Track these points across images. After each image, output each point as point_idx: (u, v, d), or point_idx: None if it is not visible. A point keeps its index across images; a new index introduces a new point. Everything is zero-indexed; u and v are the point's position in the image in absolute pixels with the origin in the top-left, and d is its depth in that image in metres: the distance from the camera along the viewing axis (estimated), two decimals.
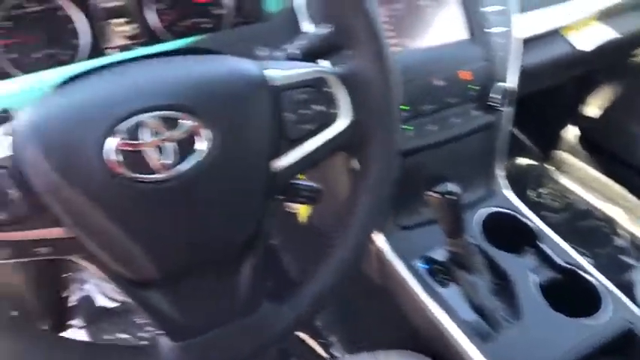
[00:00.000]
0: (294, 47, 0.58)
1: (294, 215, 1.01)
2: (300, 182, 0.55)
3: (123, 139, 0.37)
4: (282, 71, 0.45)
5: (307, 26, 0.72)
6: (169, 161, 0.38)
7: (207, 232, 0.42)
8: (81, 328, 1.18)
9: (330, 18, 0.47)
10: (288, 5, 0.76)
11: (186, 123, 0.39)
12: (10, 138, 0.38)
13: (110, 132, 0.37)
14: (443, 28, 0.81)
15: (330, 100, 0.46)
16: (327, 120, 0.46)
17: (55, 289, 1.25)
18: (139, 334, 1.15)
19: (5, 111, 0.46)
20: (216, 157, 0.40)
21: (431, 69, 0.78)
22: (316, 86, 0.45)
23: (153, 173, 0.38)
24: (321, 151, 0.46)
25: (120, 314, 1.18)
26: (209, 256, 0.44)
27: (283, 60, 0.56)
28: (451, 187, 0.70)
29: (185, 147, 0.39)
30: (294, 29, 0.73)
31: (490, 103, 0.83)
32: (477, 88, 0.82)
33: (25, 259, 0.39)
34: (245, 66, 0.43)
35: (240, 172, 0.42)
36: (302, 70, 0.46)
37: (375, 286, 0.90)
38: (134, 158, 0.38)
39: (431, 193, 0.70)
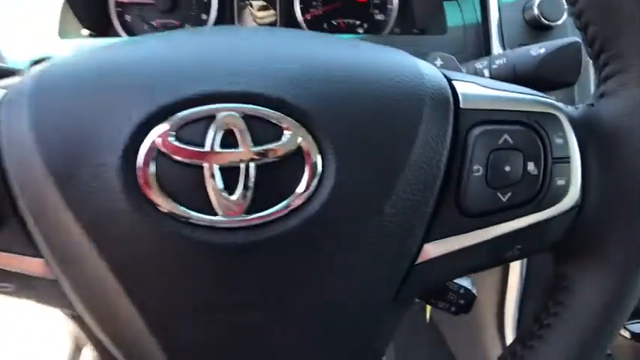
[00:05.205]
0: (486, 65, 0.37)
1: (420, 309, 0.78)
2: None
3: (176, 138, 0.21)
4: (483, 89, 0.26)
5: (498, 48, 0.53)
6: (244, 199, 0.21)
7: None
8: None
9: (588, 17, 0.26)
10: (473, 21, 0.57)
11: (297, 139, 0.21)
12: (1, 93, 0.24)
13: (155, 121, 0.21)
14: None
15: (555, 159, 0.25)
16: (540, 191, 0.25)
17: None
18: None
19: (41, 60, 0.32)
20: (328, 215, 0.22)
21: None
22: (535, 128, 0.25)
23: (212, 214, 0.21)
24: (510, 244, 0.26)
25: None
26: None
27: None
28: None
29: (278, 181, 0.22)
30: (479, 50, 0.55)
31: None
32: None
33: None
34: (428, 70, 0.25)
35: (367, 251, 0.23)
36: (516, 94, 0.26)
37: None
38: (184, 180, 0.21)
39: None
